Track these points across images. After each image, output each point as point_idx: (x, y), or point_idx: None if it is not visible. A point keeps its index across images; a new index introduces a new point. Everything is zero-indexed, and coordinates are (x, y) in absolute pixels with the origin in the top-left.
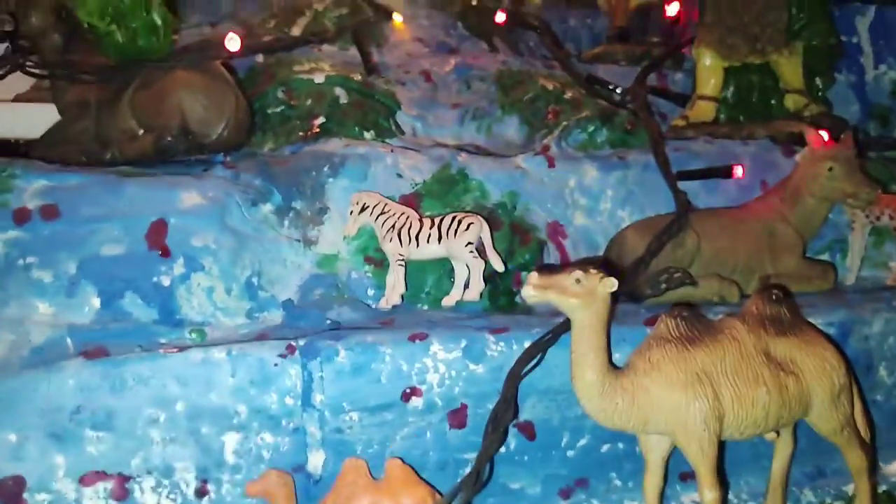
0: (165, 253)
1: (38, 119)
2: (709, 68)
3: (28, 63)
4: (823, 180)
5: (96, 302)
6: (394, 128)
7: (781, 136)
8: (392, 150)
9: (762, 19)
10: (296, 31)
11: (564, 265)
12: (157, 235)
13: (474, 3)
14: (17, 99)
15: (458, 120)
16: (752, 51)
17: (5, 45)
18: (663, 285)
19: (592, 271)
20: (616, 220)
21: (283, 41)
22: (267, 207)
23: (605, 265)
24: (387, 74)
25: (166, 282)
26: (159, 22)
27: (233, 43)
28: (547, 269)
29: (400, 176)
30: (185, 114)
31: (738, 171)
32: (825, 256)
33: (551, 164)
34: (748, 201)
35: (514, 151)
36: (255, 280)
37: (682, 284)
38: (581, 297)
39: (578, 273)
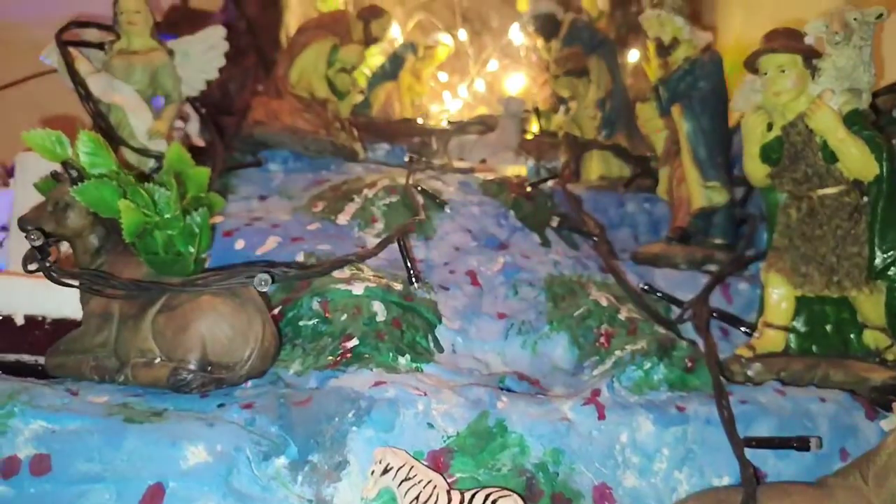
0: None
1: (69, 296)
2: (779, 296)
3: (55, 271)
4: None
5: None
6: (432, 346)
7: (862, 389)
8: (425, 394)
9: (840, 251)
10: (342, 218)
11: None
12: (153, 503)
13: (528, 189)
14: None
15: (503, 333)
16: (828, 283)
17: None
18: None
19: None
20: (671, 483)
21: (320, 266)
22: (280, 461)
23: None
24: (431, 276)
25: None
26: (197, 230)
27: (263, 285)
28: None
29: (431, 426)
30: (206, 345)
31: (814, 444)
32: None
33: (601, 416)
34: (825, 477)
35: (560, 382)
36: None
37: None
38: None
39: None
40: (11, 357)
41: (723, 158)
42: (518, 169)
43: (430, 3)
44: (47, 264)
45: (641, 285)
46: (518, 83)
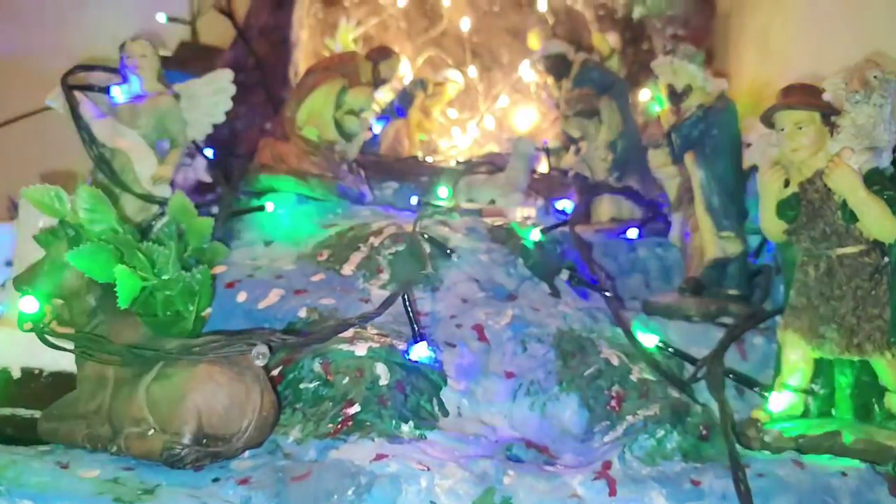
0: None
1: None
2: (796, 358)
3: (49, 333)
4: None
5: None
6: (437, 410)
7: (884, 459)
8: (428, 469)
9: (860, 312)
10: (347, 268)
11: None
12: None
13: (537, 238)
14: None
15: (511, 394)
16: (847, 345)
17: None
18: None
19: None
20: None
21: (320, 332)
22: None
23: None
24: (437, 331)
25: None
26: (197, 287)
27: (261, 358)
28: None
29: None
30: (202, 417)
31: None
32: None
33: (613, 492)
34: None
35: (569, 448)
36: None
37: None
38: None
39: None
40: (7, 411)
41: (737, 207)
42: (527, 210)
43: (440, 39)
44: (42, 326)
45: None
46: (528, 119)
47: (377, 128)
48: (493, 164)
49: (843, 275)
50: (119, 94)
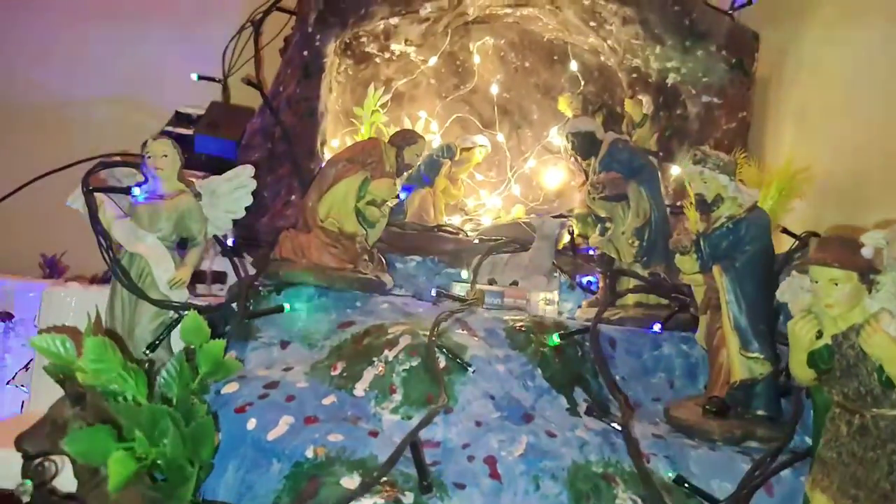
0: None
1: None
2: None
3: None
4: None
5: None
6: None
7: None
8: None
9: (895, 478)
10: (360, 388)
11: None
12: None
13: (558, 340)
14: None
15: None
16: None
17: None
18: None
19: None
20: None
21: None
22: None
23: None
24: (448, 466)
25: None
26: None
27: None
28: None
29: None
30: None
31: None
32: None
33: None
34: None
35: None
36: None
37: None
38: None
39: None
40: None
41: (767, 325)
42: (550, 295)
43: (469, 96)
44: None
45: (672, 476)
46: (557, 178)
47: (402, 195)
48: (518, 244)
49: (878, 437)
50: (140, 193)
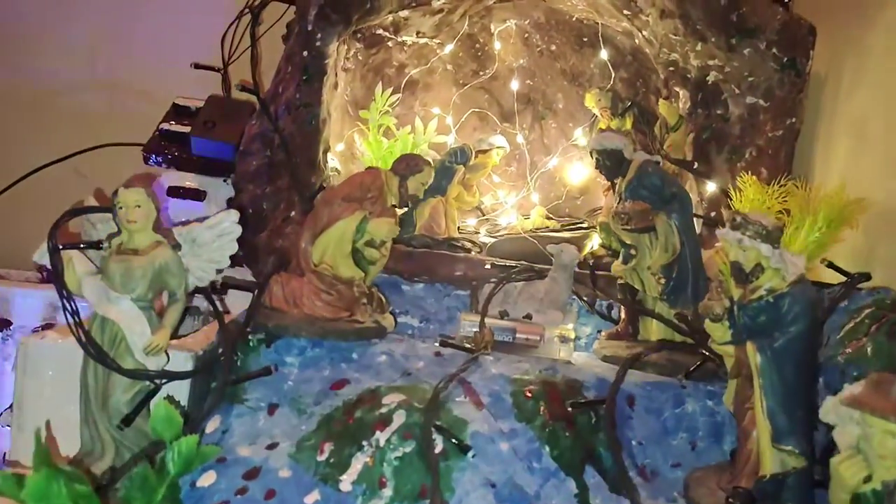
0: None
1: None
2: None
3: None
4: None
5: None
6: None
7: None
8: None
9: None
10: (347, 481)
11: None
12: None
13: (570, 408)
14: None
15: None
16: None
17: None
18: None
19: None
20: None
21: None
22: None
23: None
24: None
25: None
26: None
27: None
28: None
29: None
30: None
31: None
32: None
33: None
34: None
35: None
36: None
37: None
38: None
39: None
40: None
41: (804, 413)
42: (566, 331)
43: (488, 83)
44: None
45: None
46: (581, 174)
47: None
48: (533, 272)
49: None
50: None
